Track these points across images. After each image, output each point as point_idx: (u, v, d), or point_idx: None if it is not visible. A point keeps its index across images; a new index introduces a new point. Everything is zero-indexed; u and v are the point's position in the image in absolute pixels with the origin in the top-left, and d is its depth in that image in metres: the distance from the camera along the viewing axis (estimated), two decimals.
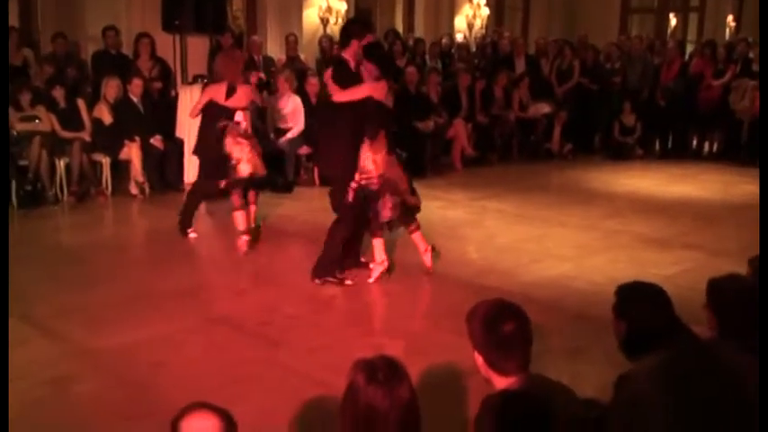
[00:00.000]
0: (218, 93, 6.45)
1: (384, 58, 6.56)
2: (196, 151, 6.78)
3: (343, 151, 5.50)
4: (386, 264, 5.74)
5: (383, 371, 2.02)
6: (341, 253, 5.70)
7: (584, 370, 4.21)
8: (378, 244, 5.70)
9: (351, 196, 5.48)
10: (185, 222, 6.96)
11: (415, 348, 4.40)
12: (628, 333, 2.71)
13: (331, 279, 5.62)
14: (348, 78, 5.54)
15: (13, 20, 10.48)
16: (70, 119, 8.50)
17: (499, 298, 2.53)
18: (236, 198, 6.48)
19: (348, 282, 5.64)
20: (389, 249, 6.43)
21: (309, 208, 8.00)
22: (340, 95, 5.50)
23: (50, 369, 4.16)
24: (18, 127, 8.18)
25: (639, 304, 2.73)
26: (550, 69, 12.40)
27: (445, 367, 4.14)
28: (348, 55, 5.59)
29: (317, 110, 9.18)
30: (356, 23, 6.16)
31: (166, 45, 9.82)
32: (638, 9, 17.51)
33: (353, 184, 5.48)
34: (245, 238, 6.47)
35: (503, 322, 2.39)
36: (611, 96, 12.32)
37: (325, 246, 5.64)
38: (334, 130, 5.63)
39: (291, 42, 11.09)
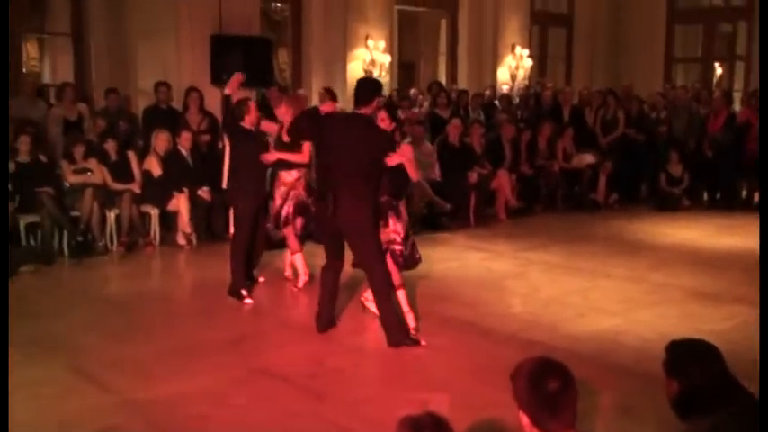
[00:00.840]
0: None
1: (391, 105, 6.66)
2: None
3: (369, 207, 5.48)
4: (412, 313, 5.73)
5: (430, 429, 2.01)
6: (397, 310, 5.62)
7: (633, 429, 4.13)
8: (401, 296, 5.70)
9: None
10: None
11: (460, 404, 4.34)
12: (680, 392, 2.65)
13: (409, 342, 5.48)
14: None
15: (69, 76, 10.89)
16: (121, 171, 8.72)
17: (544, 355, 2.50)
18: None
19: (423, 342, 5.48)
20: (433, 302, 6.43)
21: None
22: (390, 160, 5.49)
23: (100, 419, 4.21)
24: (71, 179, 8.42)
25: (692, 362, 2.66)
26: (594, 119, 12.38)
27: (490, 425, 4.09)
28: (369, 111, 5.58)
29: None
30: (375, 80, 6.38)
31: (215, 98, 10.07)
32: (682, 58, 17.47)
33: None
34: (305, 278, 6.87)
35: (548, 380, 2.36)
36: (657, 146, 12.23)
37: (380, 310, 5.56)
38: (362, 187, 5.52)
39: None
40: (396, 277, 5.68)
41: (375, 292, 5.57)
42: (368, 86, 5.69)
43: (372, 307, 5.81)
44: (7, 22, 8.65)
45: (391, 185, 5.62)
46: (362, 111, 5.51)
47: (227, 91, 6.73)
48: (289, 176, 6.85)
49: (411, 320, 5.63)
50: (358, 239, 5.46)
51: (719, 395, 2.58)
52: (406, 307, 5.68)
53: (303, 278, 7.00)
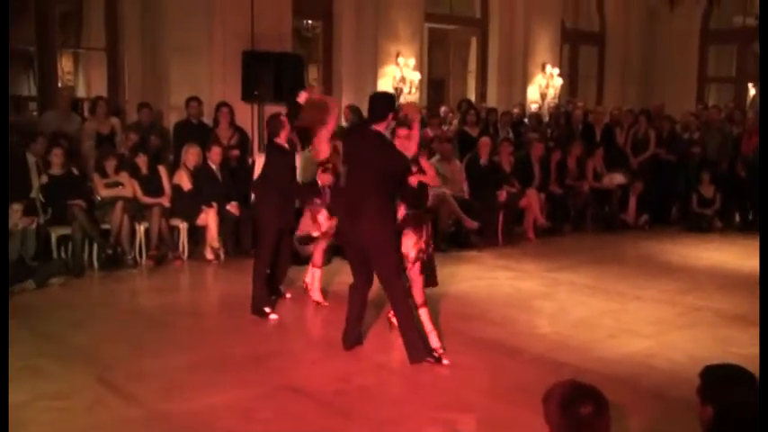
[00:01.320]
0: None
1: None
2: None
3: (387, 223, 5.47)
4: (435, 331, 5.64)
5: None
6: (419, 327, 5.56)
7: None
8: (424, 314, 5.61)
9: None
10: None
11: (486, 425, 4.31)
12: (715, 419, 2.59)
13: (430, 359, 5.44)
14: None
15: (102, 90, 11.02)
16: (151, 185, 8.79)
17: (576, 380, 2.46)
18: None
19: (446, 361, 5.43)
20: (460, 321, 6.38)
21: None
22: (413, 180, 5.53)
23: (127, 431, 4.22)
24: (102, 193, 8.50)
25: (727, 389, 2.60)
26: (625, 139, 12.28)
27: None
28: (383, 127, 5.51)
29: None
30: (390, 95, 6.33)
31: (245, 114, 10.16)
32: (715, 78, 17.30)
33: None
34: (317, 296, 7.01)
35: (581, 405, 2.32)
36: (689, 167, 12.10)
37: (401, 326, 5.52)
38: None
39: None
40: (418, 295, 5.59)
41: (395, 308, 5.53)
42: (383, 102, 5.63)
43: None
44: (7, 22, 8.76)
45: (409, 196, 5.58)
46: (377, 127, 5.45)
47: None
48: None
49: (435, 340, 5.51)
50: (376, 255, 5.42)
51: (755, 422, 2.52)
52: (429, 326, 5.56)
53: (315, 294, 7.01)
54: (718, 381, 2.65)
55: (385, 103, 5.59)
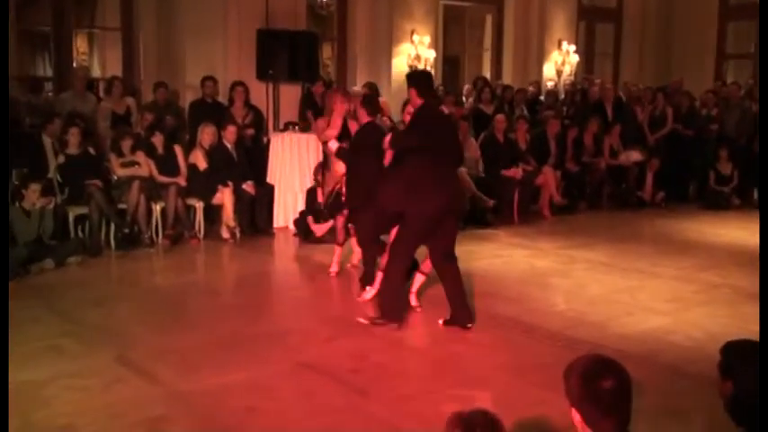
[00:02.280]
0: None
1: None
2: None
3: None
4: None
5: (482, 428, 1.98)
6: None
7: (681, 431, 4.04)
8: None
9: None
10: None
11: (504, 401, 4.29)
12: (735, 395, 2.58)
13: (380, 322, 5.66)
14: None
15: (117, 70, 11.04)
16: (167, 164, 8.80)
17: (598, 353, 2.45)
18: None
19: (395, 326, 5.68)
20: (476, 298, 6.38)
21: None
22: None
23: (145, 410, 4.25)
24: (119, 172, 8.53)
25: (749, 364, 2.59)
26: (643, 116, 12.17)
27: (535, 422, 4.04)
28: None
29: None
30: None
31: (260, 93, 10.13)
32: (733, 55, 17.08)
33: None
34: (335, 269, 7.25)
35: (603, 379, 2.30)
36: (707, 144, 11.99)
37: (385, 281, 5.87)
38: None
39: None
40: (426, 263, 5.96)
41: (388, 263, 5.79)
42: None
43: (413, 300, 6.06)
44: (7, 21, 8.80)
45: None
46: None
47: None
48: (341, 169, 7.05)
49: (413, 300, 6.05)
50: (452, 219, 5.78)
51: None
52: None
53: (334, 268, 7.23)
54: (740, 356, 2.63)
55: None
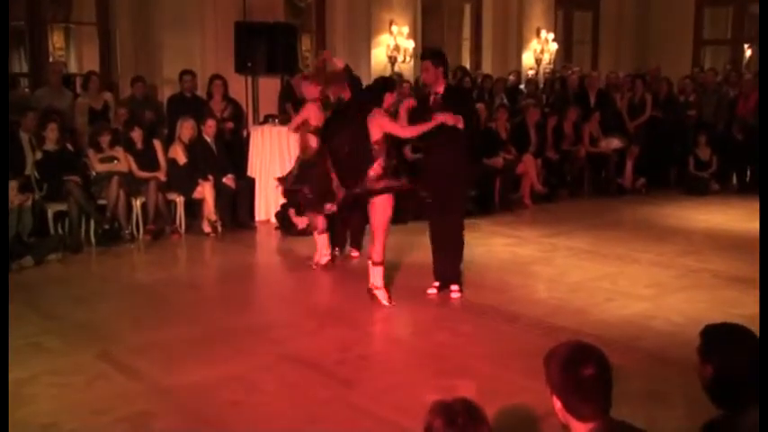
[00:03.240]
0: None
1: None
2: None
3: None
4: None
5: (462, 415, 1.99)
6: None
7: (663, 415, 4.08)
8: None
9: None
10: None
11: (487, 390, 4.32)
12: (714, 378, 2.60)
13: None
14: None
15: (94, 65, 10.93)
16: (147, 159, 8.75)
17: (579, 340, 2.46)
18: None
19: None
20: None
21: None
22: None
23: (128, 406, 4.23)
24: (98, 168, 8.47)
25: (727, 347, 2.60)
26: (622, 103, 12.23)
27: (518, 410, 4.06)
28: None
29: None
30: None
31: (239, 86, 10.08)
32: (711, 41, 17.20)
33: None
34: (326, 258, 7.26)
35: (583, 365, 2.32)
36: (686, 130, 12.07)
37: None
38: None
39: None
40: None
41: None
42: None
43: (380, 295, 6.01)
44: (7, 20, 8.71)
45: None
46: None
47: None
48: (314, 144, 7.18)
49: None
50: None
51: (754, 381, 2.52)
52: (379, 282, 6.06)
53: (323, 257, 7.23)
54: (719, 339, 2.65)
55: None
